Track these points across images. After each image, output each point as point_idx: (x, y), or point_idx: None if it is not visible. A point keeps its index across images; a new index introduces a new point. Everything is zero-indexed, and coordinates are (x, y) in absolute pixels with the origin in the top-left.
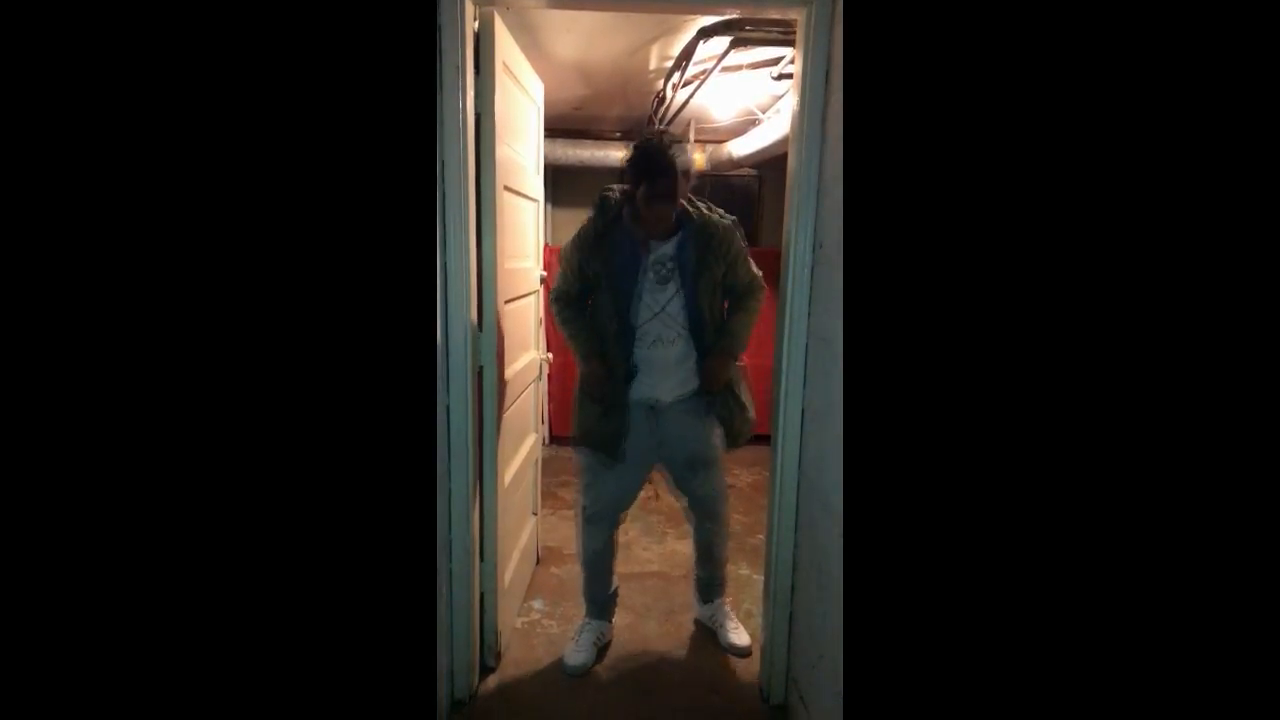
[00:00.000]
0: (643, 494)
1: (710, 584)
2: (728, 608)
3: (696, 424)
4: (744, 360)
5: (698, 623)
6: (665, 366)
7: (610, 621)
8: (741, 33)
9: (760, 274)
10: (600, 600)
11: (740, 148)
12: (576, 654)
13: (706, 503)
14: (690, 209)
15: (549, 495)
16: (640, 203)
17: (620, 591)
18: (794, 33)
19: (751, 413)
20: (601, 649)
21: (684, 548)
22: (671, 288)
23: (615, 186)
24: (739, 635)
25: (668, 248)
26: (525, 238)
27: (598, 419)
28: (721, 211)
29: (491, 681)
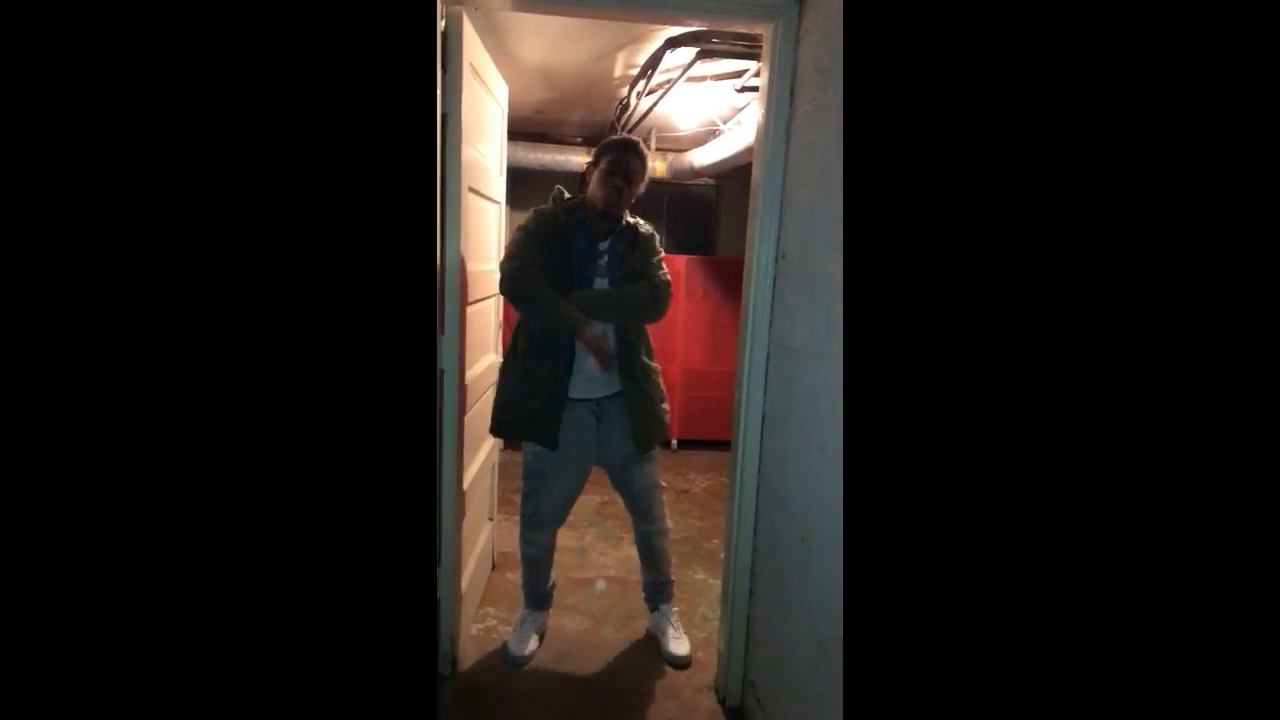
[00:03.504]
0: (599, 499)
1: (655, 590)
2: (672, 615)
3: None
4: (657, 363)
5: (641, 618)
6: (594, 366)
7: (548, 611)
8: (708, 45)
9: (665, 278)
10: (542, 593)
11: (701, 157)
12: (522, 643)
13: (640, 499)
14: (626, 218)
15: (504, 501)
16: (601, 174)
17: (576, 596)
18: (759, 47)
19: (663, 414)
20: (541, 636)
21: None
22: (607, 281)
23: (559, 187)
24: (678, 645)
25: (606, 244)
26: (487, 240)
27: (541, 407)
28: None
29: (447, 691)
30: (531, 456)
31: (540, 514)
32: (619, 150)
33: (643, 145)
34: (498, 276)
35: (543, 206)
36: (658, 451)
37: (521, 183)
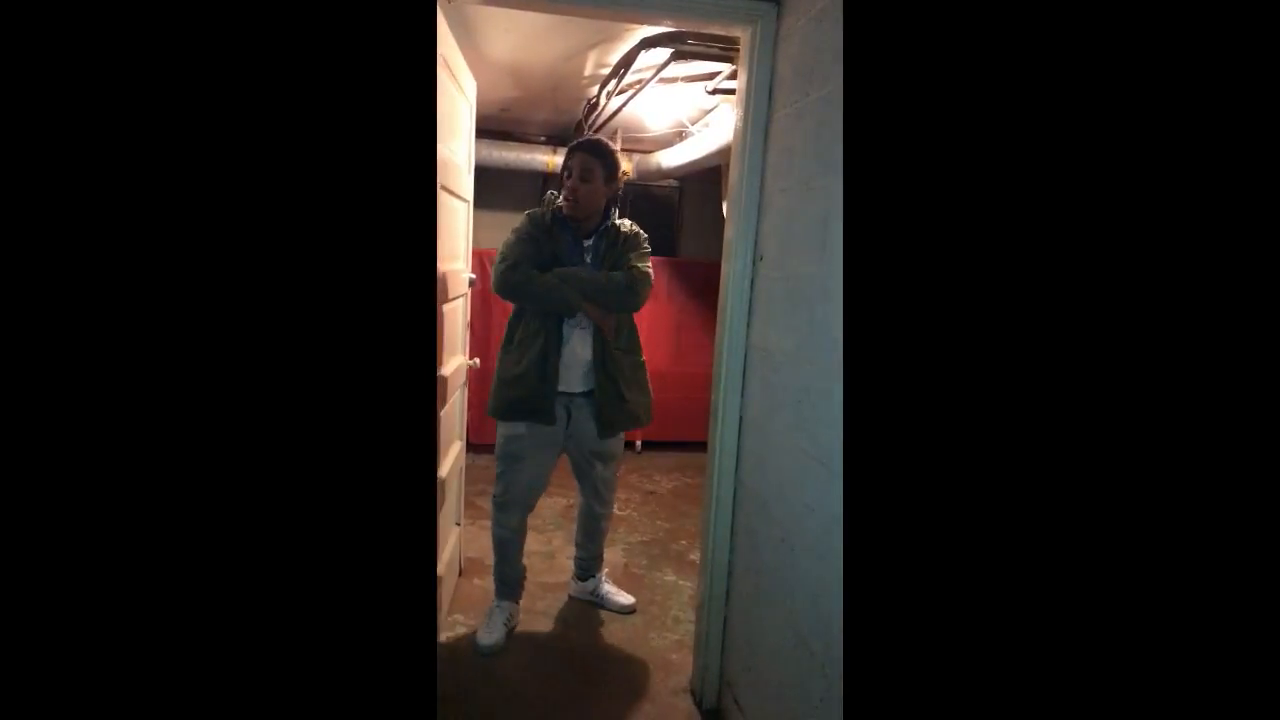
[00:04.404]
0: (565, 502)
1: (591, 562)
2: (606, 578)
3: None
4: (644, 356)
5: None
6: (574, 354)
7: (518, 603)
8: (683, 46)
9: (648, 273)
10: (511, 581)
11: (669, 159)
12: (489, 634)
13: (602, 489)
14: (610, 218)
15: (469, 505)
16: (573, 178)
17: (546, 601)
18: (733, 49)
19: (629, 405)
20: (510, 629)
21: (609, 556)
22: None
23: (552, 191)
24: (623, 597)
25: (589, 242)
26: (457, 239)
27: (535, 386)
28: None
29: None
30: (504, 440)
31: (510, 494)
32: (570, 152)
33: (605, 142)
34: (507, 293)
35: (534, 210)
36: (621, 454)
37: (485, 181)
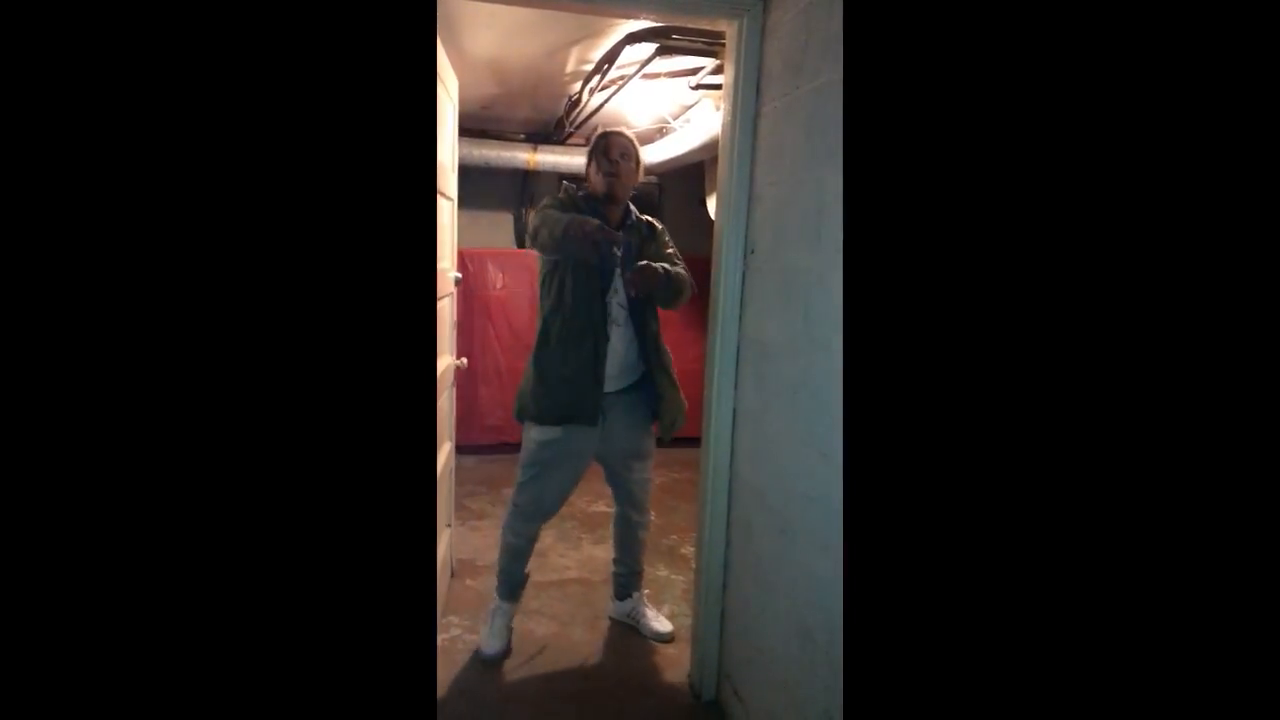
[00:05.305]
0: None
1: (629, 578)
2: (645, 599)
3: (638, 417)
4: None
5: (616, 623)
6: (614, 351)
7: (518, 604)
8: (668, 40)
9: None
10: (517, 582)
11: (651, 155)
12: (494, 640)
13: (636, 491)
14: (631, 213)
15: (459, 506)
16: (596, 165)
17: (542, 599)
18: (718, 44)
19: (684, 402)
20: (509, 632)
21: (601, 552)
22: (627, 267)
23: (567, 183)
24: (661, 623)
25: (620, 233)
26: (442, 238)
27: (583, 387)
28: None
29: None
30: (537, 446)
31: (539, 503)
32: (602, 138)
33: (626, 131)
34: (531, 244)
35: (558, 197)
36: (654, 451)
37: (464, 180)
